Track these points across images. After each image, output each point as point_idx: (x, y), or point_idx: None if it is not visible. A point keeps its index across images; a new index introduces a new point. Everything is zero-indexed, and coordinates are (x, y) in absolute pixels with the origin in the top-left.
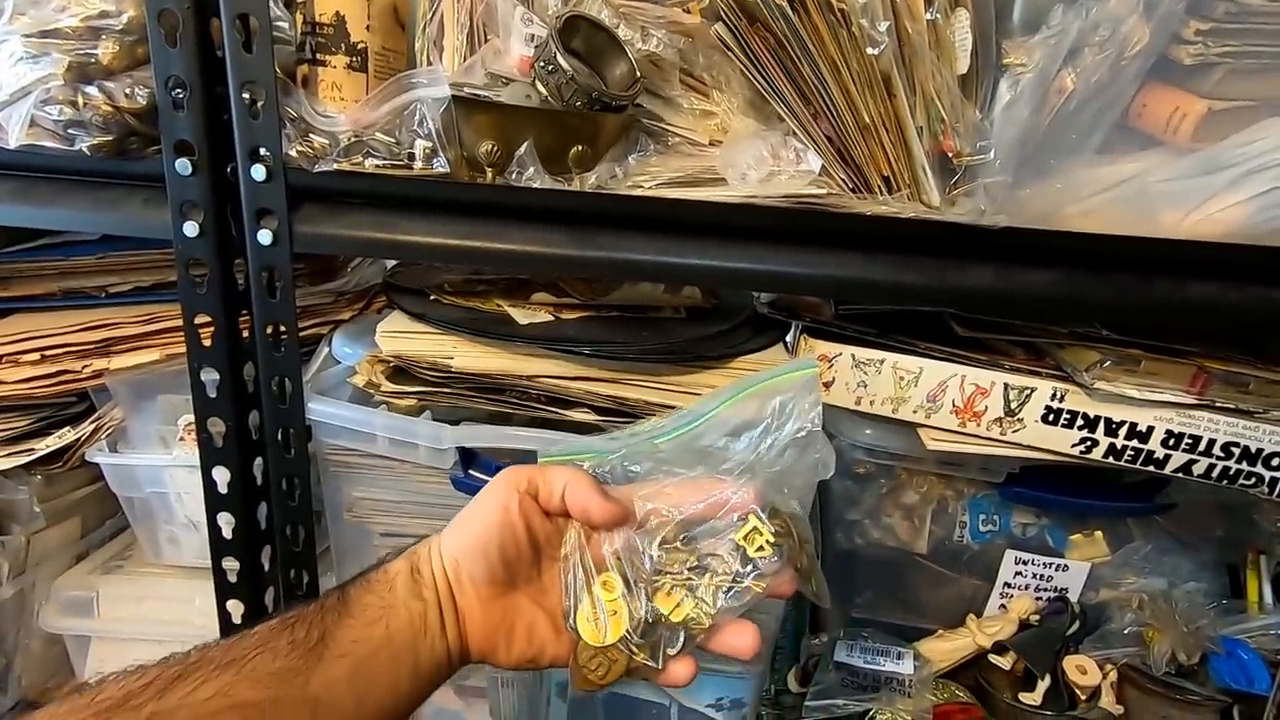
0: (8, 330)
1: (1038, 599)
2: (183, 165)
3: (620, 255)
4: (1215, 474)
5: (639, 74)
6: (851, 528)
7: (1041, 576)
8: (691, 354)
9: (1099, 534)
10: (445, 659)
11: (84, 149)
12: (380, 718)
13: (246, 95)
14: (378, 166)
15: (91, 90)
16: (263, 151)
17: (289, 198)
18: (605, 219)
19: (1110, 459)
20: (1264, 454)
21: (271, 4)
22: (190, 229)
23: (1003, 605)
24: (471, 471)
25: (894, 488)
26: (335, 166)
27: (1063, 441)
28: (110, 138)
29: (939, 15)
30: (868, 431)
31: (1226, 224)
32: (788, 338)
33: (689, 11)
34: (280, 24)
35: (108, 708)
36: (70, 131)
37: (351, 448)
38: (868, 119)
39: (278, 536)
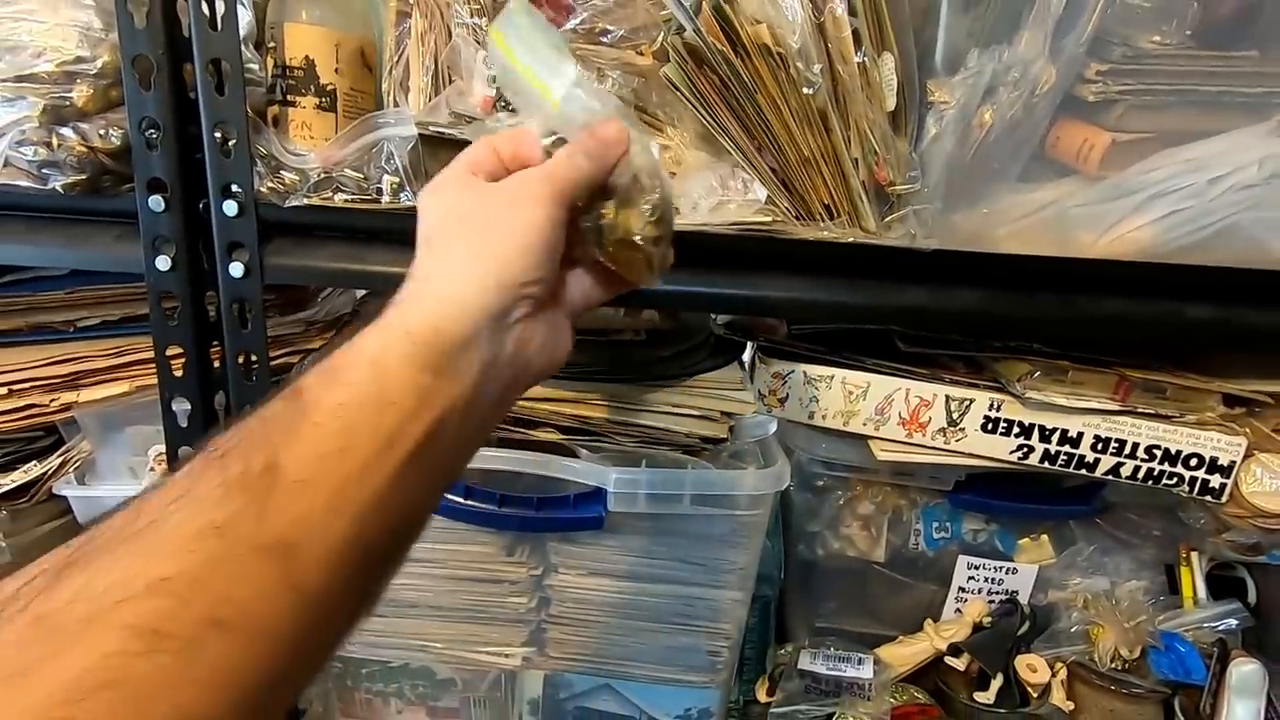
0: None
1: (990, 602)
2: (155, 202)
3: None
4: (1141, 475)
5: None
6: (813, 539)
7: (993, 580)
8: (651, 374)
9: (1045, 537)
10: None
11: (58, 188)
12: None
13: (219, 135)
14: (347, 201)
15: (66, 132)
16: (234, 188)
17: (260, 232)
18: None
19: (1046, 464)
20: (1183, 455)
21: (243, 48)
22: (162, 263)
23: (958, 609)
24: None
25: (851, 499)
26: (305, 201)
27: (1002, 449)
28: (84, 176)
29: (867, 58)
30: (823, 445)
31: (1136, 244)
32: (744, 356)
33: (641, 54)
34: (251, 65)
35: None
36: (44, 171)
37: None
38: (807, 152)
39: None
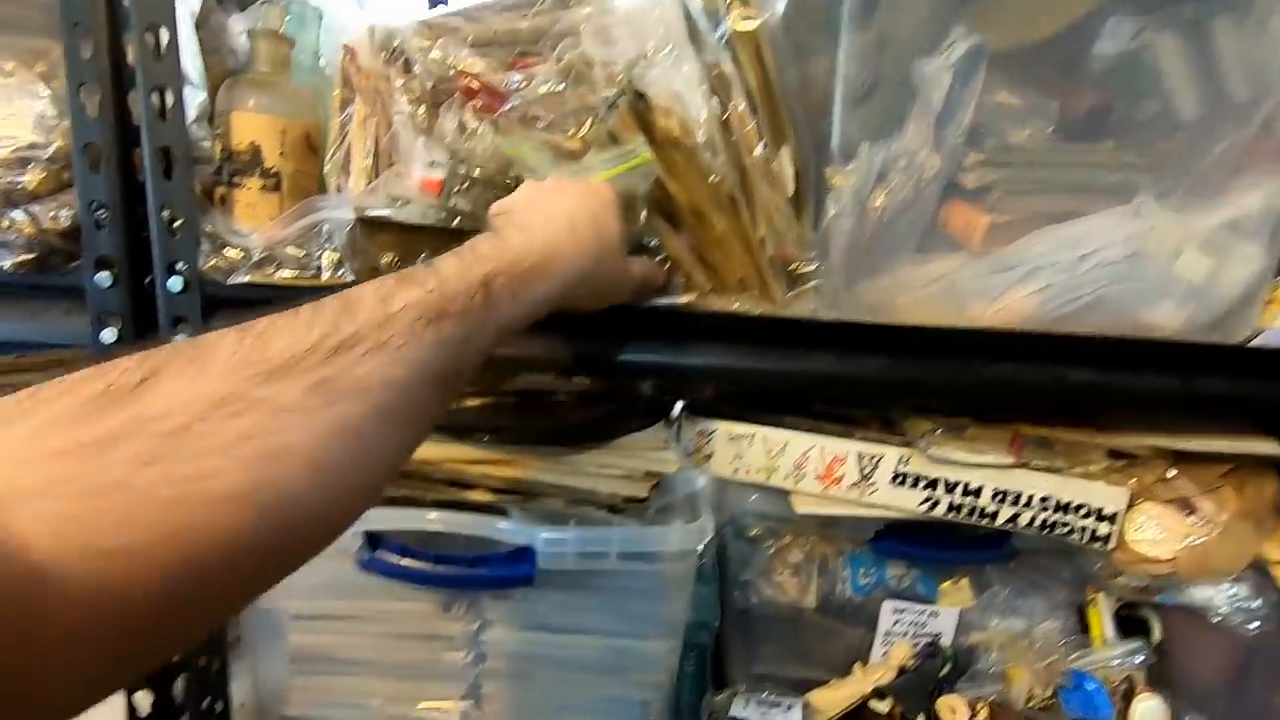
0: None
1: (915, 645)
2: (103, 278)
3: (512, 351)
4: (1037, 524)
5: None
6: (747, 587)
7: (917, 623)
8: (581, 436)
9: (964, 582)
10: None
11: (6, 266)
12: None
13: (166, 215)
14: (287, 278)
15: (17, 214)
16: (179, 265)
17: (204, 306)
18: None
19: (951, 515)
20: (1073, 505)
21: (196, 128)
22: (108, 335)
23: (885, 652)
24: (378, 552)
25: (781, 548)
26: (248, 278)
27: (910, 501)
28: (33, 255)
29: (767, 150)
30: (753, 498)
31: (1020, 313)
32: (674, 414)
33: (571, 138)
34: (204, 143)
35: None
36: None
37: None
38: (718, 233)
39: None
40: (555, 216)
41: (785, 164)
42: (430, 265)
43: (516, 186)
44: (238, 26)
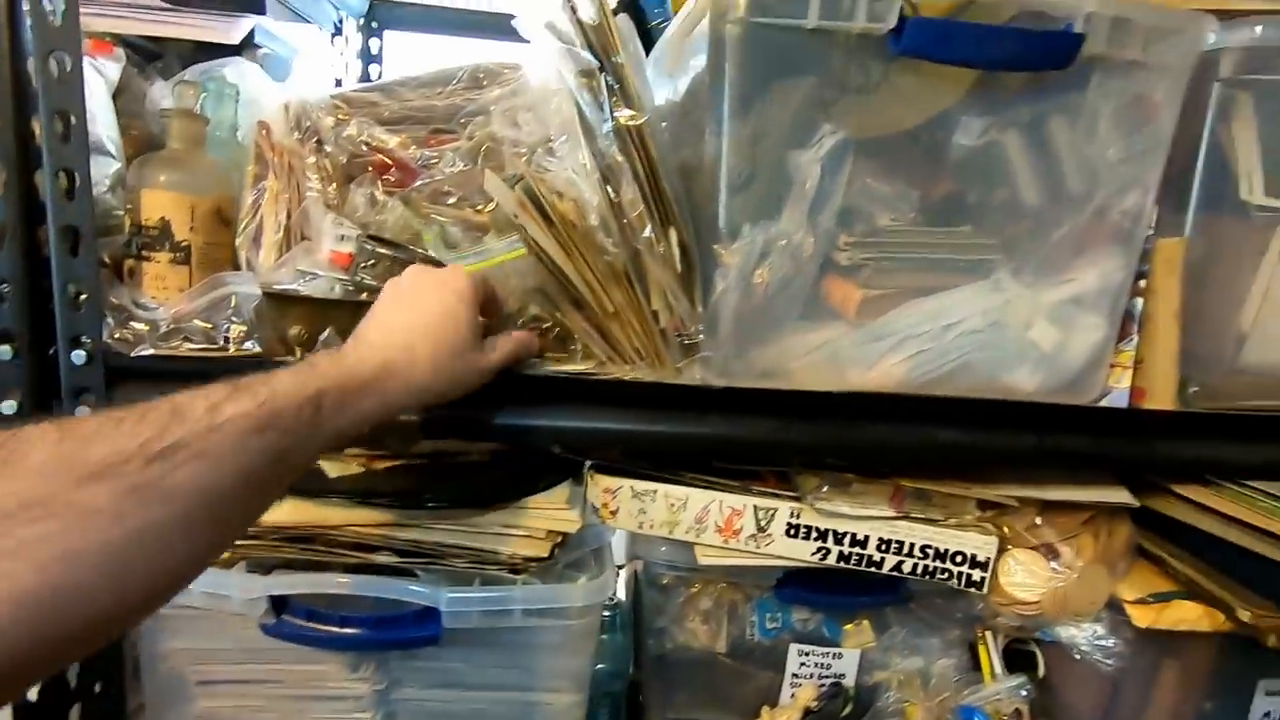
0: None
1: (821, 686)
2: (3, 351)
3: (420, 416)
4: (919, 571)
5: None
6: (662, 634)
7: (822, 665)
8: (486, 497)
9: (866, 623)
10: None
11: None
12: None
13: (71, 289)
14: (193, 349)
15: None
16: (83, 339)
17: (107, 378)
18: None
19: (842, 563)
20: (950, 552)
21: (107, 202)
22: (7, 407)
23: (792, 694)
24: (284, 617)
25: (692, 596)
26: (153, 351)
27: (804, 551)
28: None
29: (655, 231)
30: (663, 549)
31: (894, 378)
32: (584, 470)
33: (479, 212)
34: (116, 212)
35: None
36: None
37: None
38: (612, 307)
39: (86, 695)
40: (395, 331)
41: (672, 245)
42: (268, 376)
43: (425, 260)
44: (157, 96)
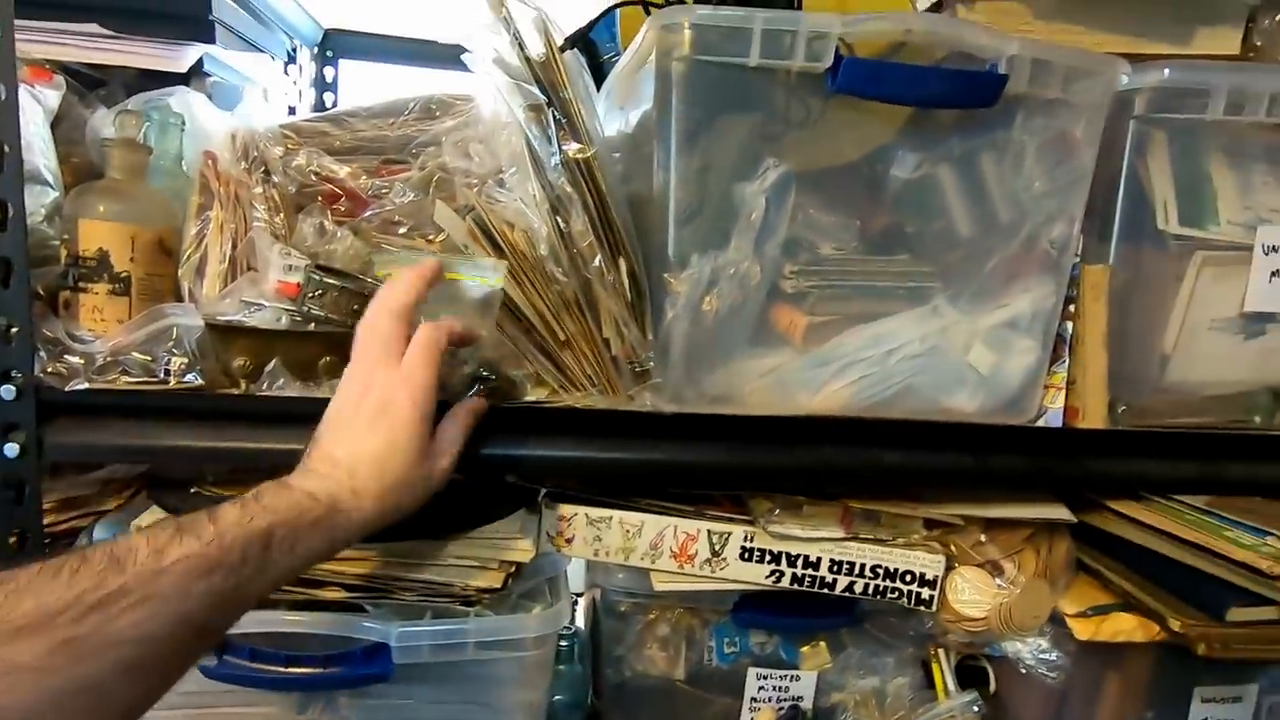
0: None
1: (779, 709)
2: None
3: None
4: (871, 591)
5: None
6: (620, 662)
7: (780, 688)
8: (439, 529)
9: (822, 645)
10: None
11: None
12: None
13: (2, 321)
14: (131, 382)
15: None
16: (14, 373)
17: (39, 413)
18: None
19: (796, 585)
20: (899, 572)
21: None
22: None
23: (751, 718)
24: (226, 658)
25: (649, 623)
26: (88, 385)
27: (758, 574)
28: None
29: (605, 261)
30: (620, 576)
31: (839, 402)
32: (539, 499)
33: (430, 242)
34: (52, 242)
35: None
36: None
37: None
38: (564, 336)
39: None
40: (341, 463)
41: (622, 274)
42: (212, 513)
43: (374, 290)
44: (98, 124)
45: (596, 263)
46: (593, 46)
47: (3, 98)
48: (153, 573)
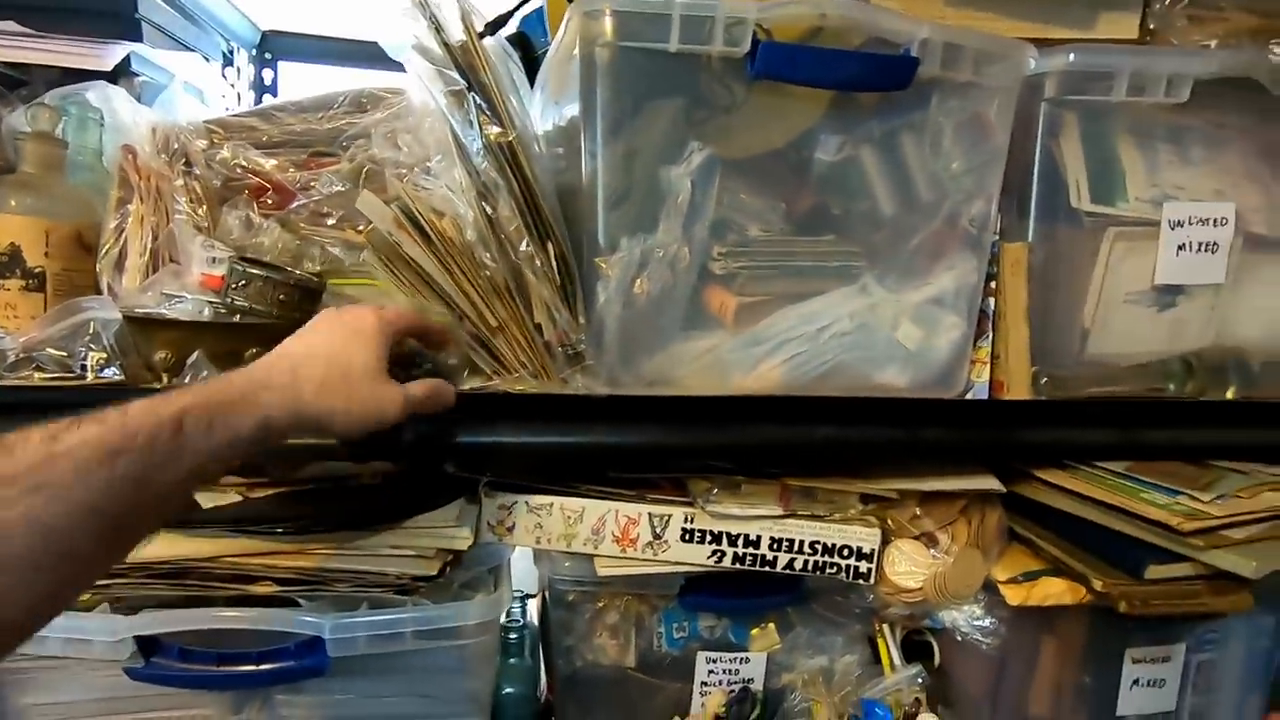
0: None
1: (730, 692)
2: None
3: (304, 440)
4: (810, 567)
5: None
6: (570, 652)
7: (730, 671)
8: (374, 520)
9: (771, 626)
10: None
11: None
12: None
13: None
14: (46, 379)
15: None
16: None
17: None
18: None
19: (737, 565)
20: (837, 547)
21: None
22: None
23: (703, 703)
24: (153, 659)
25: (598, 611)
26: (2, 382)
27: (700, 555)
28: None
29: (533, 246)
30: (566, 564)
31: (773, 381)
32: (480, 487)
33: (359, 233)
34: None
35: None
36: None
37: (22, 653)
38: (495, 321)
39: None
40: (281, 356)
41: (551, 258)
42: (122, 406)
43: (304, 282)
44: (16, 122)
45: (524, 247)
46: (527, 41)
47: None
48: (44, 459)
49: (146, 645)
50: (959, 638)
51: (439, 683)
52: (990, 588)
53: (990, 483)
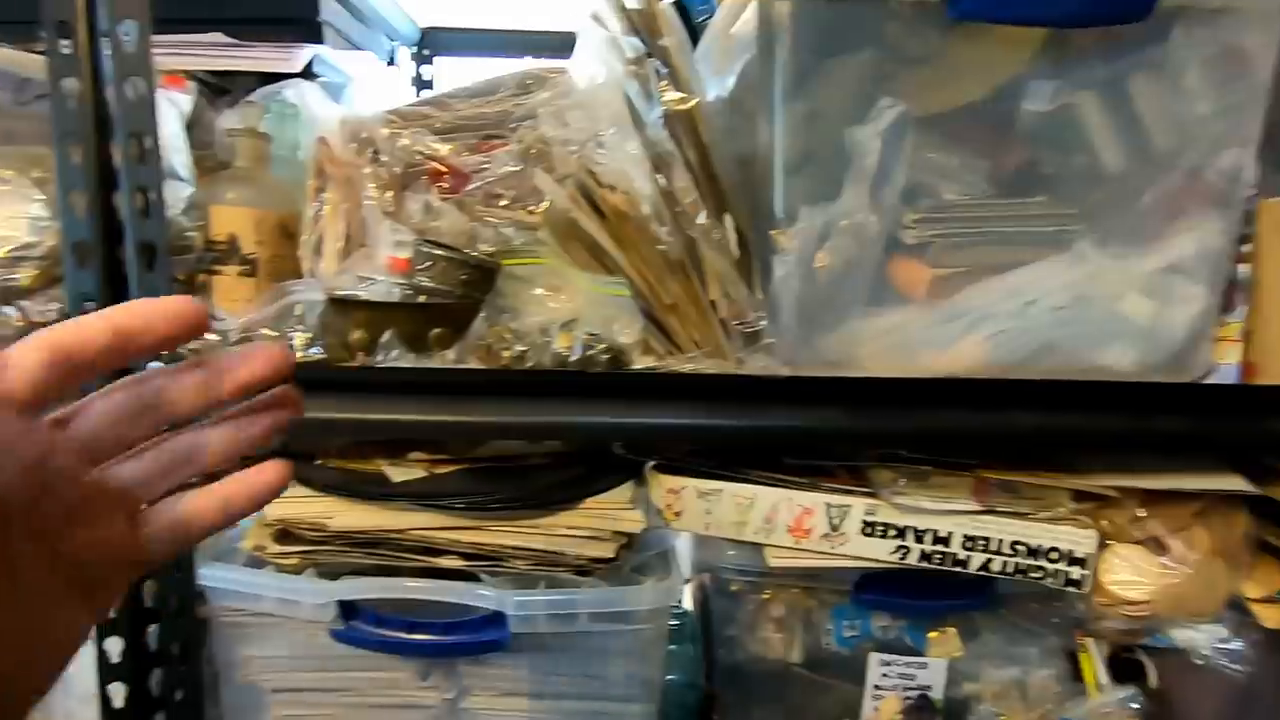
0: None
1: (906, 699)
2: None
3: (472, 419)
4: (1010, 570)
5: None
6: (732, 643)
7: (905, 676)
8: (548, 499)
9: (952, 631)
10: None
11: None
12: None
13: None
14: None
15: (9, 310)
16: (161, 354)
17: None
18: (459, 388)
19: (924, 563)
20: (1043, 549)
21: (182, 223)
22: None
23: (875, 708)
24: (352, 622)
25: (764, 602)
26: None
27: (882, 550)
28: None
29: (710, 219)
30: (731, 552)
31: (971, 360)
32: (646, 470)
33: (533, 213)
34: (189, 233)
35: None
36: None
37: (240, 608)
38: (670, 299)
39: (167, 704)
40: None
41: (728, 231)
42: None
43: (478, 263)
44: (225, 124)
45: (701, 220)
46: (685, 10)
47: (142, 93)
48: None
49: (347, 610)
50: (1197, 661)
51: (611, 665)
52: (1235, 605)
53: (1236, 483)
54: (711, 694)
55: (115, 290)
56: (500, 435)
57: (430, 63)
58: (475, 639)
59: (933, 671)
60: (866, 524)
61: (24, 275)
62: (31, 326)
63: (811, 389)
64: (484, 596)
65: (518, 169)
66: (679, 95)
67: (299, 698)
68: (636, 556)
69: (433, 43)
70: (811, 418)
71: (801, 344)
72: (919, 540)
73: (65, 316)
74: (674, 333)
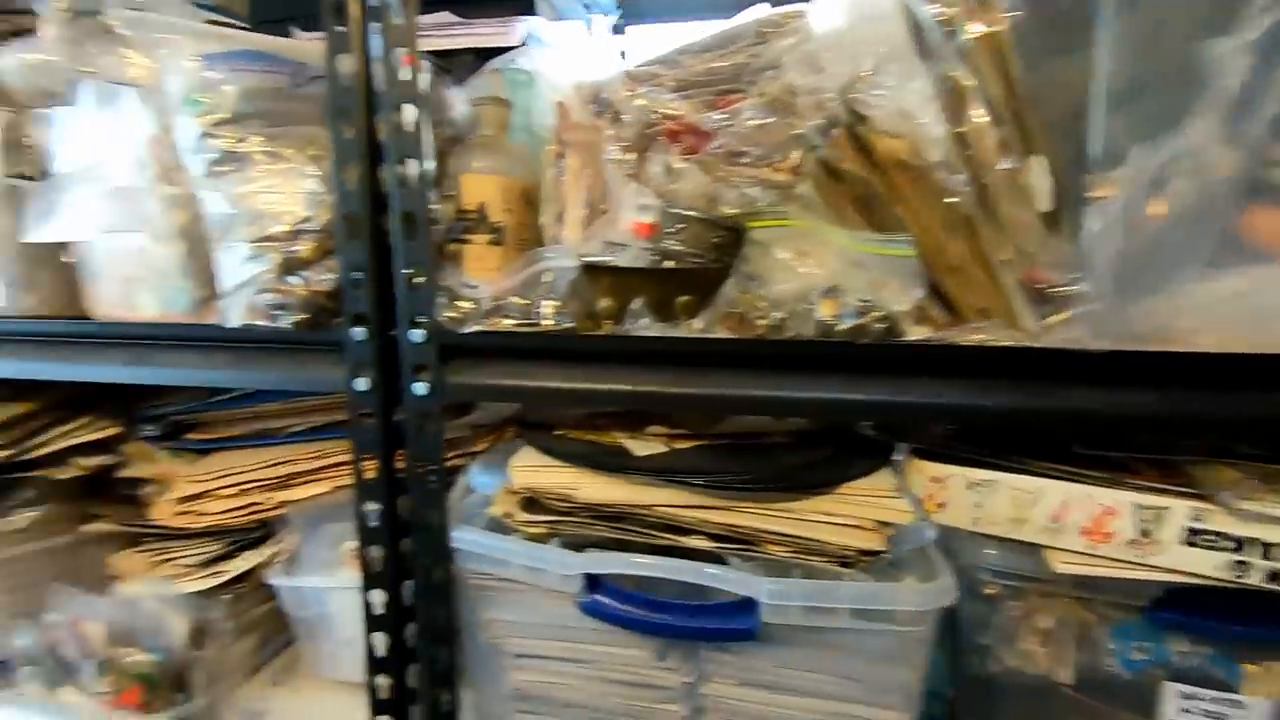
0: (211, 467)
1: None
2: (358, 333)
3: (724, 391)
4: None
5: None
6: (984, 653)
7: (1213, 715)
8: (799, 481)
9: (1278, 666)
10: None
11: (289, 325)
12: None
13: (409, 272)
14: (512, 325)
15: (293, 280)
16: (420, 318)
17: (440, 355)
18: (708, 358)
19: (1272, 584)
20: None
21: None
22: (361, 384)
23: None
24: (596, 596)
25: (1027, 611)
26: (478, 327)
27: (1208, 564)
28: (307, 315)
29: (1013, 163)
30: (989, 552)
31: None
32: (898, 457)
33: (778, 170)
34: (434, 206)
35: None
36: (274, 311)
37: (487, 572)
38: (953, 259)
39: (424, 656)
40: None
41: (1037, 176)
42: None
43: (729, 225)
44: (455, 98)
45: (1002, 166)
46: None
47: (407, 66)
48: None
49: (591, 583)
50: None
51: (868, 668)
52: None
53: None
54: (954, 705)
55: (380, 260)
56: (744, 410)
57: (621, 31)
58: (724, 626)
59: (1251, 713)
60: (1192, 530)
61: (304, 247)
62: (313, 295)
63: (1131, 366)
64: (737, 581)
65: (763, 122)
66: (986, 17)
67: (539, 664)
68: (889, 552)
69: (629, 9)
70: (1126, 400)
71: (1120, 312)
72: (1266, 556)
73: (339, 284)
74: (955, 298)
